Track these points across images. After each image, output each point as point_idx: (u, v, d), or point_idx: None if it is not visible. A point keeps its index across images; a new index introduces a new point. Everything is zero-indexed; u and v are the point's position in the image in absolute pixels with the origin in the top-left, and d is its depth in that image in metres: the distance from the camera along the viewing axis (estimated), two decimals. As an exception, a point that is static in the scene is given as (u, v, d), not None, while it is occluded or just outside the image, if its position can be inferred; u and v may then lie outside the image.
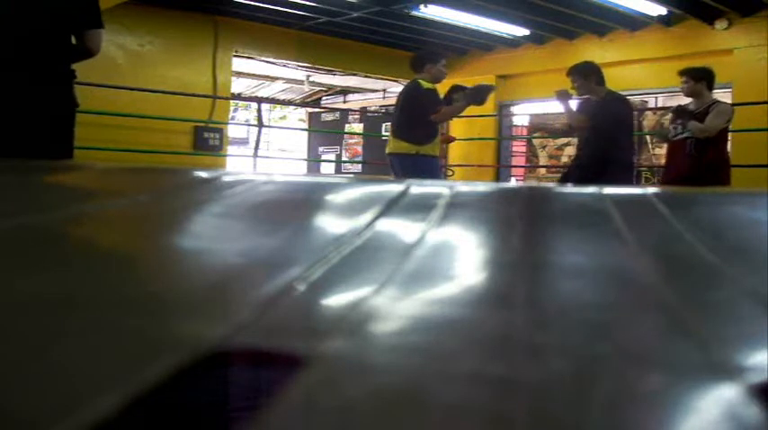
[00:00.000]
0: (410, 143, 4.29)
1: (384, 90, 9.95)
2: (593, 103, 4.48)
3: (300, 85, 10.76)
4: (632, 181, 4.75)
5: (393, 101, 6.68)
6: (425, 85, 4.34)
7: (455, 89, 4.60)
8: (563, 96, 4.61)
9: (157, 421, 0.30)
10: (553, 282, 0.51)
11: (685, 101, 4.88)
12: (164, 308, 0.40)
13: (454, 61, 9.06)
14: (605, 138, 4.35)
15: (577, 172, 4.47)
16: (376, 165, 8.51)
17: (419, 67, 4.43)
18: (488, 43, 8.34)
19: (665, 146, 5.01)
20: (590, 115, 4.42)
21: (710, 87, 4.67)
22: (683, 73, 4.66)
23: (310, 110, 11.75)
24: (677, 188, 3.24)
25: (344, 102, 11.23)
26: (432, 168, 4.31)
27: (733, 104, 6.70)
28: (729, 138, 6.28)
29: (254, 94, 11.30)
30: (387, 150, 4.56)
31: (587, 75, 4.48)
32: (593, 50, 7.91)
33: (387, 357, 0.34)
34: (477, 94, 4.43)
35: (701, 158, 4.50)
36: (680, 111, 4.72)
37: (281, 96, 11.72)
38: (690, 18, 6.92)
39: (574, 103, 4.67)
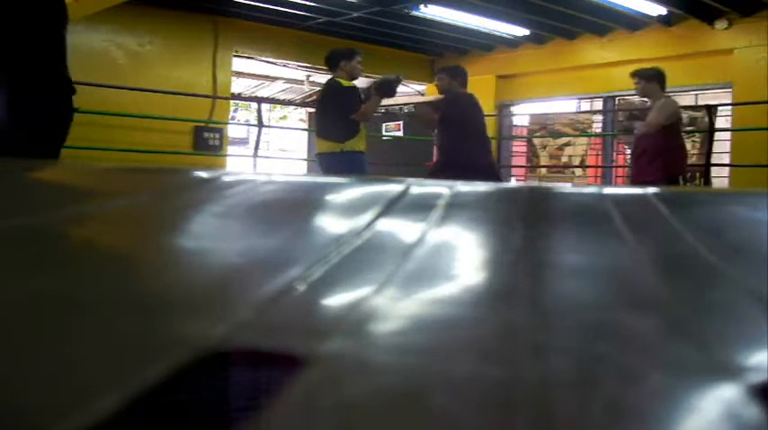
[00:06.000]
0: (335, 141, 4.31)
1: (384, 90, 9.95)
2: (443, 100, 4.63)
3: (300, 85, 10.77)
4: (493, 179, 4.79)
5: (393, 101, 6.67)
6: (344, 83, 4.37)
7: (383, 84, 4.52)
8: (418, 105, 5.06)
9: (157, 421, 0.31)
10: (553, 282, 0.51)
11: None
12: (164, 307, 0.40)
13: (454, 61, 9.07)
14: (453, 135, 4.51)
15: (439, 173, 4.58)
16: (376, 165, 8.51)
17: (334, 65, 4.45)
18: (488, 43, 8.34)
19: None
20: (440, 109, 4.57)
21: (663, 87, 4.78)
22: (633, 74, 4.80)
23: (310, 110, 11.75)
24: (676, 188, 3.24)
25: (344, 102, 11.20)
26: (358, 164, 4.32)
27: (733, 104, 6.71)
28: (728, 137, 6.30)
29: (254, 94, 11.30)
30: (315, 152, 4.62)
31: (455, 76, 4.69)
32: (593, 50, 7.92)
33: (387, 357, 0.34)
34: (387, 88, 4.44)
35: (637, 155, 4.66)
36: (632, 117, 4.91)
37: (281, 96, 11.72)
38: (690, 18, 6.93)
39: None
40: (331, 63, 4.48)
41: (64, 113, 2.49)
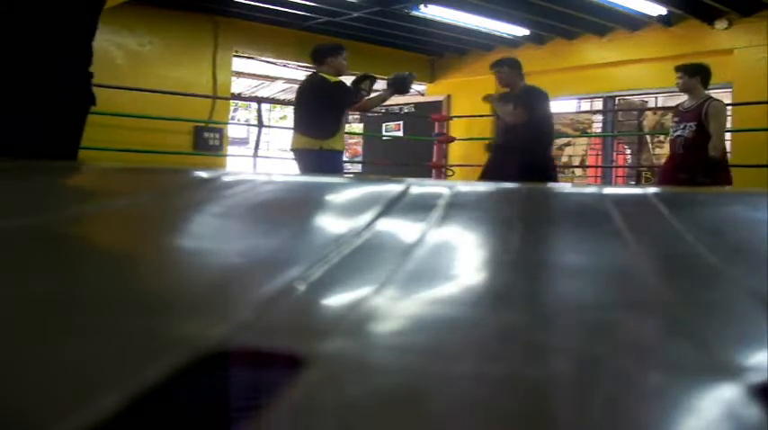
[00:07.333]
0: (314, 138, 4.22)
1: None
2: (514, 94, 4.58)
3: (300, 85, 10.75)
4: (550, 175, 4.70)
5: (392, 101, 6.66)
6: (332, 78, 4.27)
7: (362, 78, 4.49)
8: (491, 99, 4.83)
9: (157, 421, 0.30)
10: (553, 282, 0.51)
11: (682, 99, 4.91)
12: (164, 307, 0.40)
13: (454, 61, 9.07)
14: (531, 128, 4.44)
15: (500, 166, 4.51)
16: (376, 165, 8.51)
17: (320, 61, 4.36)
18: (488, 43, 8.33)
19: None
20: (521, 106, 4.51)
21: (705, 83, 4.73)
22: (678, 68, 4.75)
23: (310, 110, 11.74)
24: (677, 188, 3.24)
25: (344, 102, 11.20)
26: (335, 163, 4.25)
27: (733, 104, 6.71)
28: (729, 137, 6.30)
29: (254, 94, 11.30)
30: (290, 147, 4.50)
31: (515, 66, 4.68)
32: (593, 50, 7.92)
33: (387, 357, 0.34)
34: (402, 84, 4.45)
35: (688, 157, 4.56)
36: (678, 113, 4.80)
37: (281, 96, 11.73)
38: (690, 18, 6.93)
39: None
40: (317, 59, 4.40)
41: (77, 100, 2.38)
